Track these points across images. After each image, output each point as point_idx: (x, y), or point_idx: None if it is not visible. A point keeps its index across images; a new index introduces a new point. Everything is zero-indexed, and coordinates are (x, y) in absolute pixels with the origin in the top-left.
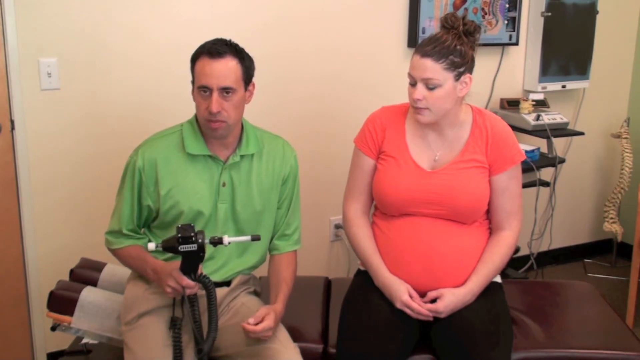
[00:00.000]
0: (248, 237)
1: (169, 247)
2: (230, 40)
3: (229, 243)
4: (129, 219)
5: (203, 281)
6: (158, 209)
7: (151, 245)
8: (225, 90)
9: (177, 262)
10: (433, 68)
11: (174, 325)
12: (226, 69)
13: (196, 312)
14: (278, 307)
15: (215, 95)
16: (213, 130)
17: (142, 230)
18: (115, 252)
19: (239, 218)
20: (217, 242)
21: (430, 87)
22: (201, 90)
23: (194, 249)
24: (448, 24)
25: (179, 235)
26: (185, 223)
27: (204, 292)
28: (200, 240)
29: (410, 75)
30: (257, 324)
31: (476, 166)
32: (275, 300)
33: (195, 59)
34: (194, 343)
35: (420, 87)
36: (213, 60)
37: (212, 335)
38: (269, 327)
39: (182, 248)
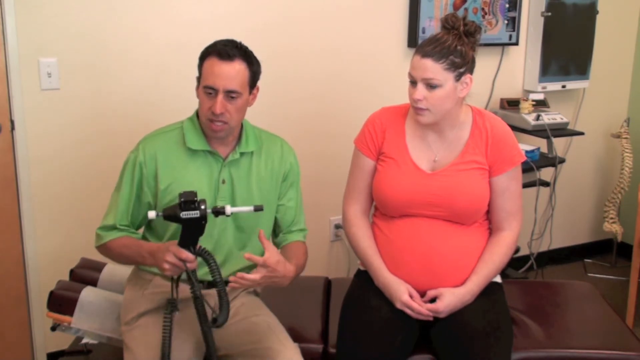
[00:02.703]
0: (251, 208)
1: (170, 215)
2: (240, 43)
3: (231, 213)
4: (124, 214)
5: (202, 254)
6: (156, 205)
7: (151, 214)
8: (231, 93)
9: (174, 241)
10: (433, 68)
11: (172, 308)
12: (234, 72)
13: (197, 288)
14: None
15: (220, 97)
16: (213, 131)
17: (140, 230)
18: (106, 246)
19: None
20: (219, 211)
21: (431, 87)
22: (207, 89)
23: (196, 215)
24: (449, 24)
25: (182, 199)
26: (188, 190)
27: (208, 291)
28: (202, 207)
29: (410, 75)
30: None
31: (476, 168)
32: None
33: (204, 57)
34: (194, 338)
35: (420, 87)
36: (222, 62)
37: (225, 306)
38: (278, 260)
39: (184, 215)
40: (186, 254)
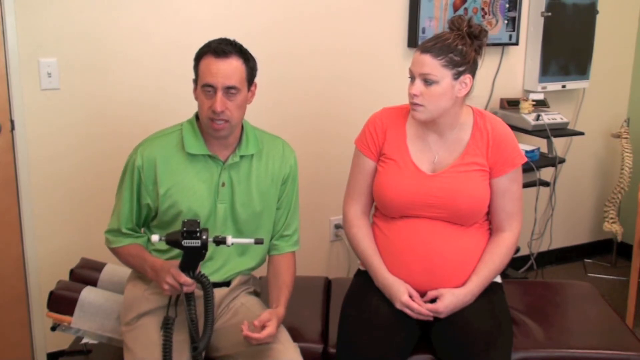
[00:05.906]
0: (251, 240)
1: (172, 240)
2: (234, 41)
3: (232, 244)
4: (128, 218)
5: (201, 280)
6: (157, 208)
7: (155, 238)
8: (230, 90)
9: (177, 260)
10: (431, 64)
11: (166, 324)
12: (231, 69)
13: (192, 311)
14: (280, 311)
15: (220, 94)
16: (215, 131)
17: (142, 230)
18: (114, 251)
19: (238, 218)
20: (220, 241)
21: (428, 82)
22: (205, 88)
23: (197, 244)
24: (454, 25)
25: (184, 229)
26: (192, 219)
27: (201, 292)
28: (204, 237)
29: (410, 71)
30: (262, 326)
31: (477, 169)
32: (277, 304)
33: (199, 57)
34: (190, 343)
35: (418, 82)
36: (218, 60)
37: (207, 334)
38: (272, 334)
39: (186, 243)
40: (184, 279)
